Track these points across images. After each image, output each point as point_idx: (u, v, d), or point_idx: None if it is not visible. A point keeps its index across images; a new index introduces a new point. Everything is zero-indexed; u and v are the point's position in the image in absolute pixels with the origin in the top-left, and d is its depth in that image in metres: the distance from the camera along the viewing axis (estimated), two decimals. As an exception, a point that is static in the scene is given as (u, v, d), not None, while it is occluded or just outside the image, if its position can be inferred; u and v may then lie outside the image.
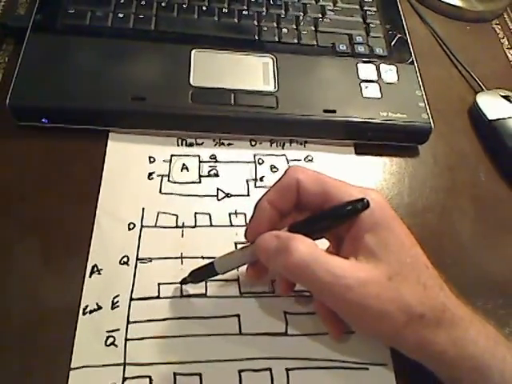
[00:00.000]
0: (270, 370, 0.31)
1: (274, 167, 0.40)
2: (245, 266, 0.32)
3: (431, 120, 0.42)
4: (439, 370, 0.29)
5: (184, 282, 0.33)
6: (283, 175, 0.30)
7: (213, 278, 0.33)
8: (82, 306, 0.31)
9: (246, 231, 0.31)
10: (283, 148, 0.41)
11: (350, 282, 0.27)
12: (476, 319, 0.29)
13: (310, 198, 0.29)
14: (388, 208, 0.29)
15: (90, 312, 0.31)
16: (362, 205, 0.28)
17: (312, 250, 0.27)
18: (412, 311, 0.27)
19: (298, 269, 0.27)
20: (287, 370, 0.31)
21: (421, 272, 0.28)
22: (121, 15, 0.43)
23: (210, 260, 0.34)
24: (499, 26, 0.57)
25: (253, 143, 0.41)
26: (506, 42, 0.56)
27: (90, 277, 0.33)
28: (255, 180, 0.39)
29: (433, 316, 0.27)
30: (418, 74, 0.45)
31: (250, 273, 0.32)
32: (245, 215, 0.37)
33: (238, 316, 0.33)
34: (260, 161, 0.40)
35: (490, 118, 0.44)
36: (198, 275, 0.33)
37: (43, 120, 0.38)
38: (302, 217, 0.30)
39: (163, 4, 0.44)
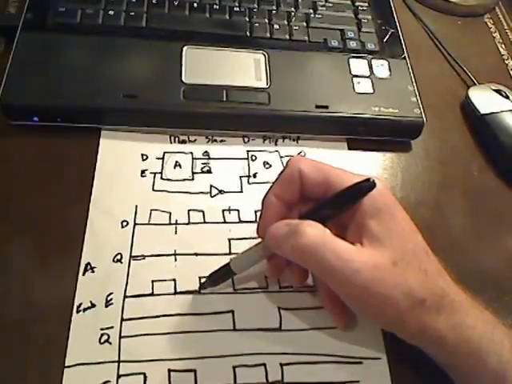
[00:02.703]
0: (265, 365, 0.31)
1: (267, 163, 0.40)
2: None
3: (423, 115, 0.42)
4: (438, 355, 0.30)
5: (203, 287, 0.33)
6: (285, 167, 0.31)
7: (206, 274, 0.33)
8: (76, 304, 0.31)
9: (257, 228, 0.32)
10: (276, 144, 0.41)
11: (358, 266, 0.27)
12: (474, 305, 0.29)
13: (313, 188, 0.30)
14: (390, 195, 0.30)
15: (84, 310, 0.31)
16: (368, 185, 0.28)
17: (321, 233, 0.28)
18: (414, 296, 0.27)
19: (306, 251, 0.27)
20: (281, 365, 0.31)
21: (422, 258, 0.29)
22: (111, 12, 0.43)
23: (203, 257, 0.34)
24: (491, 21, 0.57)
25: (245, 140, 0.41)
26: (498, 36, 0.56)
27: (84, 275, 0.32)
28: (248, 176, 0.39)
29: (433, 301, 0.28)
30: (410, 68, 0.45)
31: (270, 269, 0.33)
32: (238, 212, 0.37)
33: (232, 312, 0.33)
34: (253, 157, 0.40)
35: (482, 112, 0.44)
36: (216, 278, 0.33)
37: (35, 119, 0.38)
38: (308, 207, 0.30)
39: (154, 1, 0.44)
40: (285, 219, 0.30)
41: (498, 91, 0.46)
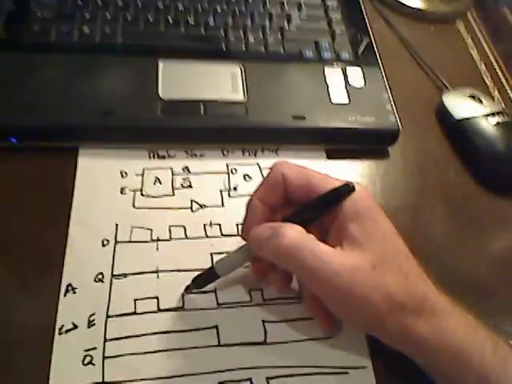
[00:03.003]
0: (251, 379, 0.31)
1: (248, 176, 0.40)
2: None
3: (399, 122, 0.43)
4: (420, 358, 0.30)
5: (187, 290, 0.33)
6: (270, 171, 0.31)
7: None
8: (58, 325, 0.31)
9: (241, 231, 0.33)
10: (255, 156, 0.42)
11: (337, 268, 0.27)
12: (456, 309, 0.30)
13: (297, 191, 0.31)
14: (370, 199, 0.30)
15: (66, 331, 0.31)
16: (347, 189, 0.29)
17: (301, 235, 0.28)
18: (394, 300, 0.28)
19: (287, 253, 0.28)
20: (268, 378, 0.31)
21: (402, 262, 0.29)
22: (87, 30, 0.43)
23: (186, 273, 0.34)
24: (463, 26, 0.58)
25: (225, 153, 0.41)
26: (471, 42, 0.57)
27: (65, 296, 0.32)
28: (229, 190, 0.39)
29: (413, 305, 0.28)
30: (385, 77, 0.46)
31: (254, 272, 0.33)
32: (220, 226, 0.37)
33: (217, 327, 0.33)
34: (233, 170, 0.40)
35: (457, 118, 0.45)
36: (200, 281, 0.33)
37: (11, 139, 0.37)
38: (292, 210, 0.31)
39: (129, 18, 0.44)
40: (269, 222, 0.30)
41: (472, 96, 0.47)
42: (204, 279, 0.33)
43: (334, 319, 0.32)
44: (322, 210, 0.30)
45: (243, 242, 0.36)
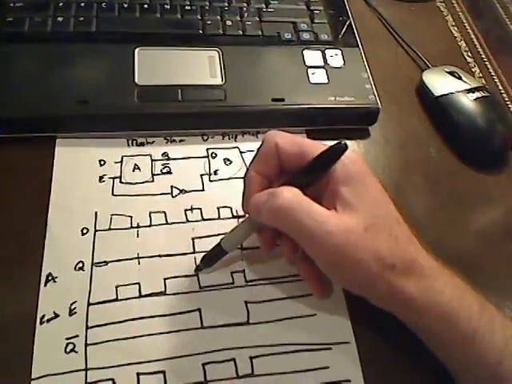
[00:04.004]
0: (234, 360, 0.31)
1: (228, 160, 0.40)
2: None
3: (378, 101, 0.43)
4: (408, 318, 0.30)
5: (198, 269, 0.34)
6: (262, 143, 0.32)
7: (171, 275, 0.33)
8: (39, 315, 0.31)
9: (242, 204, 0.33)
10: (236, 140, 0.41)
11: (331, 228, 0.28)
12: (444, 271, 0.30)
13: (290, 159, 0.31)
14: (361, 163, 0.30)
15: (48, 321, 0.31)
16: (339, 147, 0.29)
17: (297, 196, 0.29)
18: (385, 261, 0.28)
19: (282, 212, 0.28)
20: (251, 358, 0.31)
21: (392, 225, 0.30)
22: (60, 19, 0.42)
23: (167, 258, 0.34)
24: (443, 4, 0.58)
25: (205, 138, 0.41)
26: (451, 19, 0.57)
27: (46, 286, 0.32)
28: (209, 174, 0.39)
29: (403, 267, 0.29)
30: (364, 56, 0.45)
31: (262, 243, 0.33)
32: (201, 210, 0.37)
33: (199, 310, 0.33)
34: (213, 155, 0.40)
35: (436, 95, 0.45)
36: (208, 259, 0.34)
37: (-12, 131, 0.37)
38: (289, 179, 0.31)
39: (103, 5, 0.44)
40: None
41: (450, 73, 0.47)
42: (212, 257, 0.34)
43: (325, 284, 0.33)
44: (317, 172, 0.30)
45: (225, 226, 0.36)
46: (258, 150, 0.32)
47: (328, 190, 0.30)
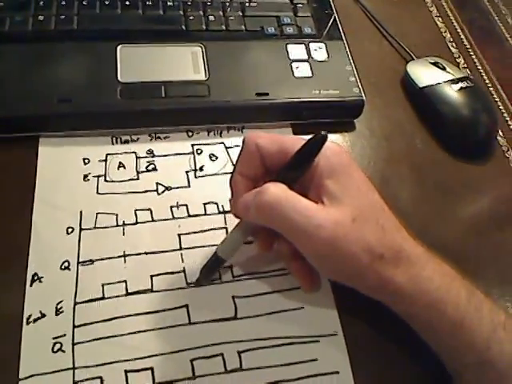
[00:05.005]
0: (222, 355, 0.31)
1: (214, 156, 0.40)
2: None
3: (363, 93, 0.43)
4: (397, 307, 0.31)
5: (199, 283, 0.33)
6: (242, 145, 0.32)
7: (158, 272, 0.33)
8: (26, 315, 0.31)
9: (231, 209, 0.33)
10: (221, 136, 0.41)
11: (320, 223, 0.28)
12: (432, 259, 0.30)
13: (273, 158, 0.31)
14: (344, 154, 0.31)
15: (34, 321, 0.31)
16: (319, 137, 0.28)
17: (283, 191, 0.29)
18: (373, 251, 0.28)
19: (269, 208, 0.28)
20: (239, 352, 0.31)
21: (379, 214, 0.30)
22: (41, 18, 0.42)
23: (154, 255, 0.34)
24: (427, -4, 0.58)
25: (190, 134, 0.41)
26: (435, 10, 0.57)
27: (31, 286, 0.32)
28: (195, 170, 0.39)
29: (391, 256, 0.29)
30: (348, 49, 0.45)
31: (260, 245, 0.33)
32: (187, 207, 0.37)
33: (187, 306, 0.33)
34: (198, 151, 0.40)
35: (420, 86, 0.45)
36: (208, 271, 0.33)
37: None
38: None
39: (85, 2, 0.43)
40: None
41: (434, 64, 0.47)
42: (210, 268, 0.33)
43: (314, 278, 0.33)
44: (300, 167, 0.30)
45: (211, 222, 0.36)
46: (240, 153, 0.32)
47: (313, 185, 0.30)
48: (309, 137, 0.29)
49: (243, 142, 0.32)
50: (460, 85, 0.44)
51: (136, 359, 0.30)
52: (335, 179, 0.29)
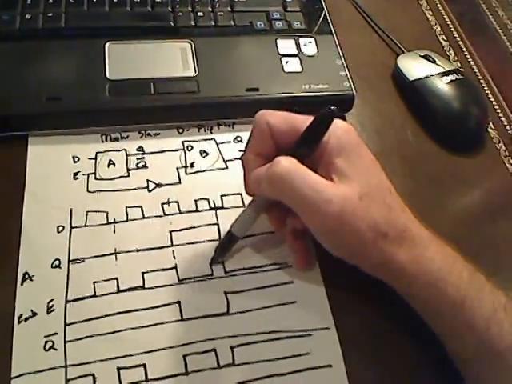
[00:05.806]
0: (215, 350, 0.31)
1: (204, 152, 0.40)
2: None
3: (353, 87, 0.43)
4: (399, 286, 0.31)
5: (214, 261, 0.34)
6: (254, 123, 0.32)
7: (149, 269, 0.33)
8: (17, 314, 0.31)
9: (244, 187, 0.33)
10: (211, 132, 0.41)
11: (329, 197, 0.28)
12: (435, 240, 0.31)
13: (284, 136, 0.31)
14: (354, 133, 0.31)
15: (26, 320, 0.31)
16: (328, 112, 0.29)
17: (294, 164, 0.29)
18: (378, 229, 0.29)
19: (279, 180, 0.29)
20: (232, 347, 0.31)
21: (385, 194, 0.30)
22: (28, 16, 0.42)
23: (145, 252, 0.34)
24: (417, -11, 0.58)
25: (180, 130, 0.41)
26: (425, 4, 0.57)
27: (22, 285, 0.32)
28: (186, 167, 0.39)
29: (395, 235, 0.29)
30: (337, 43, 0.45)
31: (272, 222, 0.33)
32: (177, 203, 0.37)
33: (179, 302, 0.33)
34: (189, 147, 0.40)
35: (410, 79, 0.45)
36: (222, 249, 0.34)
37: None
38: None
39: (72, 0, 0.43)
40: None
41: (425, 57, 0.47)
42: (225, 245, 0.34)
43: (309, 257, 0.34)
44: (311, 143, 0.30)
45: (202, 218, 0.36)
46: (252, 131, 0.32)
47: (323, 162, 0.30)
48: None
49: (254, 120, 0.32)
50: (450, 77, 0.44)
51: (128, 356, 0.30)
52: (345, 157, 0.30)
